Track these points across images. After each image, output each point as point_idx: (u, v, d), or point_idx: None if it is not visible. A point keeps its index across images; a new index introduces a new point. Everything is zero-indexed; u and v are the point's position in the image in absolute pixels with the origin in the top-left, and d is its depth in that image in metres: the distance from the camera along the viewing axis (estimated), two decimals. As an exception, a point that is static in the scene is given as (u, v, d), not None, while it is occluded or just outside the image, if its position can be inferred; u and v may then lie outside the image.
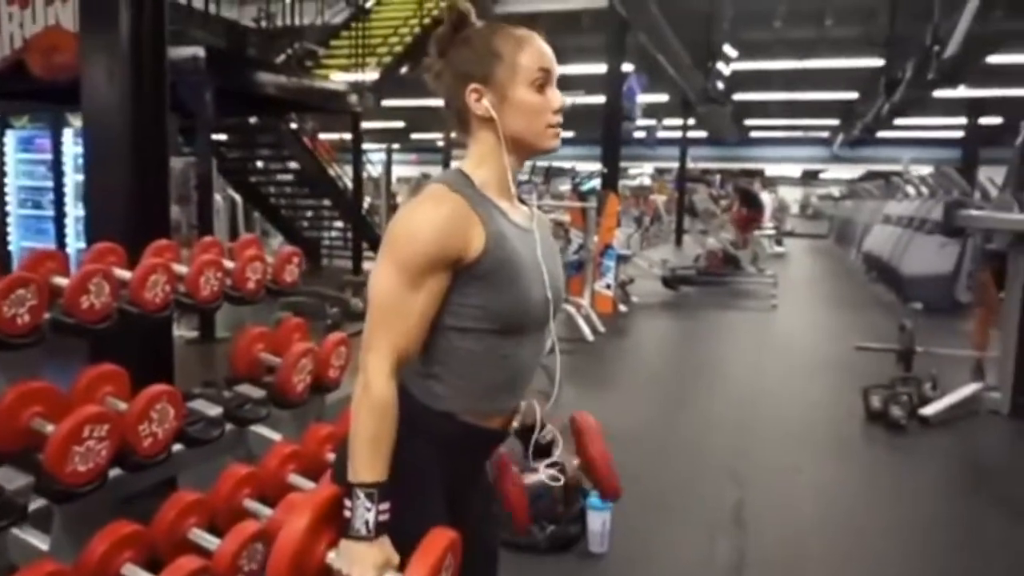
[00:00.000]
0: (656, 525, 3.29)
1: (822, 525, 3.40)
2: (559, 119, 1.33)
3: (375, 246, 9.96)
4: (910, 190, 11.48)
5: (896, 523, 3.45)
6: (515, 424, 1.42)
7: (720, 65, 11.79)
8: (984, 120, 18.57)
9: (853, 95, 15.62)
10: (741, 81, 13.58)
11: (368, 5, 10.97)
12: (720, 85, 12.58)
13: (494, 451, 1.47)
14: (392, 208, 13.44)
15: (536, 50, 1.31)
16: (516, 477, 1.61)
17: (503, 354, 1.30)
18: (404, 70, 10.49)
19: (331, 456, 2.82)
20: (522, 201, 1.43)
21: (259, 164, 10.53)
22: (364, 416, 1.20)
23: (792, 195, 26.58)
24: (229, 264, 2.84)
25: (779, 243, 16.16)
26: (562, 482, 3.12)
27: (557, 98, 1.32)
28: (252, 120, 9.74)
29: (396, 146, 21.61)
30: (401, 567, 1.21)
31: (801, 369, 6.26)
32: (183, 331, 6.03)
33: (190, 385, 2.85)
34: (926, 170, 12.75)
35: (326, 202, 10.67)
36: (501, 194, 1.33)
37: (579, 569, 2.93)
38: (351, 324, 3.69)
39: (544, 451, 1.51)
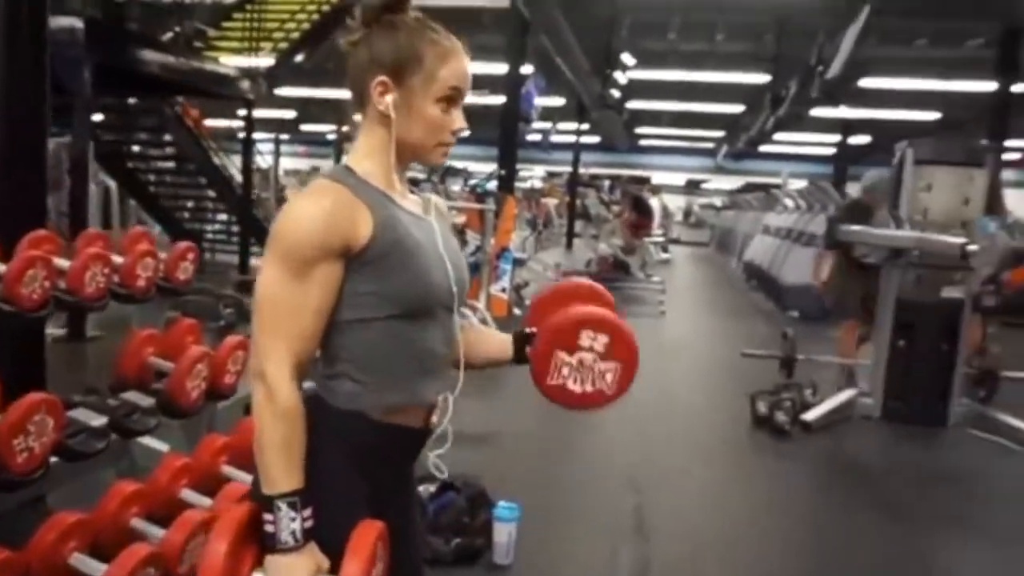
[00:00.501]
0: (560, 535, 3.29)
1: (720, 529, 3.49)
2: (453, 140, 1.30)
3: (262, 240, 9.59)
4: (788, 203, 12.08)
5: (786, 525, 3.60)
6: (434, 420, 1.36)
7: (617, 73, 12.03)
8: (853, 139, 19.83)
9: (739, 108, 16.31)
10: (635, 89, 13.92)
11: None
12: (616, 93, 12.85)
13: (416, 455, 1.40)
14: (280, 201, 13.02)
15: (458, 67, 1.27)
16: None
17: (408, 339, 1.26)
18: (300, 58, 10.14)
19: (227, 469, 2.67)
20: (415, 186, 1.40)
21: (137, 149, 9.93)
22: (271, 426, 1.15)
23: (675, 203, 27.50)
24: (117, 259, 2.63)
25: (665, 250, 16.67)
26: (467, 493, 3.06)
27: (459, 120, 1.29)
28: (131, 101, 9.16)
29: (285, 136, 20.96)
30: (332, 570, 1.17)
31: (691, 374, 6.46)
32: (50, 328, 5.57)
33: (59, 390, 2.61)
34: (801, 184, 13.49)
35: (210, 192, 10.17)
36: (390, 185, 1.30)
37: (485, 581, 2.88)
38: (246, 325, 3.50)
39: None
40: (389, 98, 1.24)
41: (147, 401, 2.58)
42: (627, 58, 11.89)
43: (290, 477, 1.15)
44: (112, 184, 8.74)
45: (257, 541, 1.18)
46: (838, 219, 5.65)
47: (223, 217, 10.93)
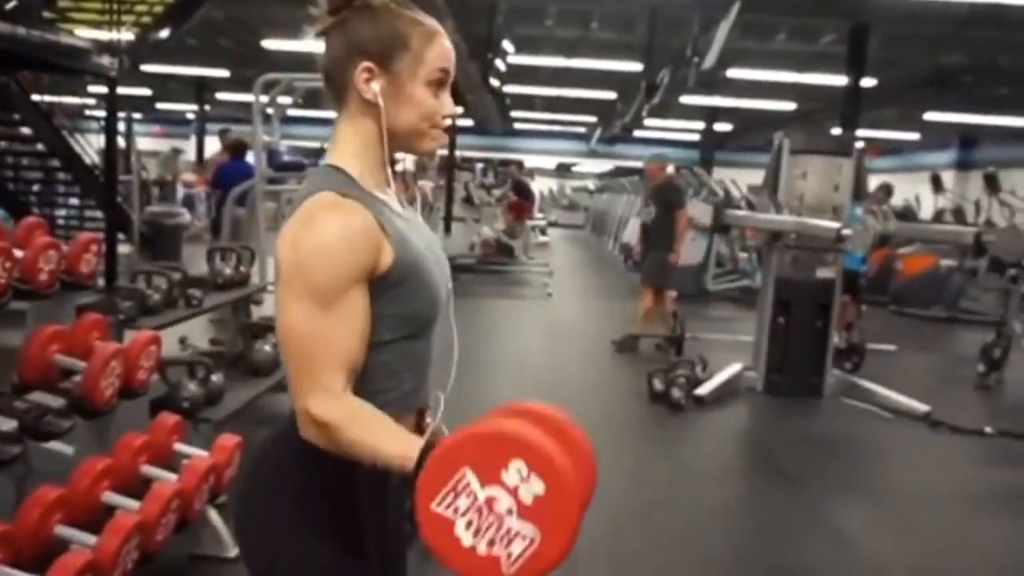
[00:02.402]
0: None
1: (633, 501, 3.65)
2: (446, 125, 1.23)
3: (125, 228, 9.01)
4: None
5: (693, 492, 3.85)
6: (428, 420, 1.30)
7: (497, 60, 12.08)
8: (718, 126, 20.84)
9: (612, 95, 16.75)
10: (511, 74, 14.01)
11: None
12: (495, 81, 12.90)
13: None
14: (143, 184, 12.24)
15: (443, 48, 1.20)
16: None
17: (416, 355, 1.23)
18: (165, 34, 9.56)
19: (153, 471, 2.55)
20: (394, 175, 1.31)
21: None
22: (359, 438, 1.07)
23: (548, 186, 27.98)
24: (18, 252, 2.42)
25: (543, 232, 16.97)
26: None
27: (449, 105, 1.22)
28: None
29: (139, 116, 19.68)
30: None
31: (585, 355, 6.65)
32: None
33: None
34: (670, 169, 14.06)
35: (61, 176, 9.42)
36: (378, 186, 1.22)
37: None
38: (147, 319, 3.30)
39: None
40: (376, 85, 1.17)
41: (57, 402, 2.41)
42: (507, 45, 11.96)
43: (409, 446, 1.04)
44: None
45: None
46: (723, 204, 5.96)
47: (75, 202, 10.16)
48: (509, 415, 1.11)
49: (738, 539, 3.44)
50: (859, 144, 5.87)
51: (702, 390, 5.20)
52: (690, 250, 9.86)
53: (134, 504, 2.30)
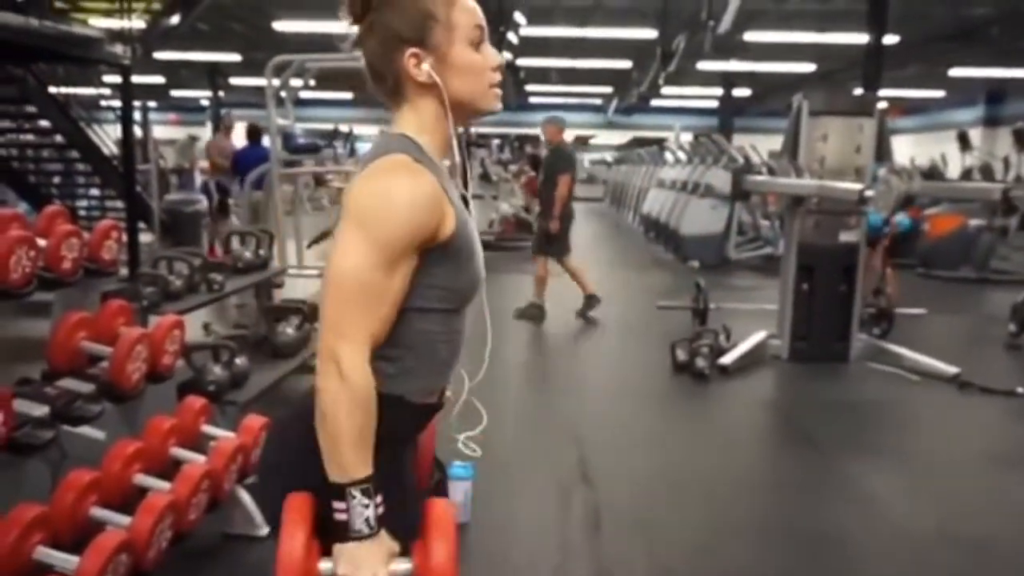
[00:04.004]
0: (512, 491, 3.35)
1: (659, 470, 3.65)
2: (499, 78, 1.27)
3: (146, 217, 9.08)
4: (681, 155, 12.44)
5: (719, 461, 3.81)
6: (448, 394, 1.37)
7: (510, 34, 11.96)
8: (736, 92, 20.57)
9: (627, 64, 16.57)
10: (524, 47, 13.88)
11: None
12: (508, 54, 12.78)
13: (426, 427, 1.40)
14: (161, 173, 12.32)
15: (468, 6, 1.24)
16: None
17: (455, 330, 1.27)
18: (175, 20, 9.59)
19: (182, 452, 2.58)
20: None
21: (-1, 122, 9.14)
22: (347, 412, 1.11)
23: (566, 159, 27.82)
24: (41, 242, 2.45)
25: (563, 206, 16.88)
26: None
27: (495, 56, 1.26)
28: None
29: (153, 104, 19.76)
30: (404, 553, 1.17)
31: (609, 328, 6.62)
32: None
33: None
34: (688, 137, 13.93)
35: (81, 166, 9.50)
36: (442, 160, 1.27)
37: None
38: (170, 304, 3.33)
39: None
40: (426, 65, 1.21)
41: (86, 387, 2.44)
42: (519, 17, 11.83)
43: (363, 463, 1.12)
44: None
45: (319, 531, 1.15)
46: (743, 170, 5.88)
47: (96, 192, 10.26)
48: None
49: (766, 506, 3.42)
50: (881, 104, 5.75)
51: (726, 359, 5.16)
52: (710, 218, 9.80)
53: (165, 485, 2.33)
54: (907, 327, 6.05)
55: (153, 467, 2.44)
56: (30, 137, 9.34)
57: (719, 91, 20.59)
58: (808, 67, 15.93)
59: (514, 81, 17.96)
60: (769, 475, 3.77)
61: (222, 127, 8.99)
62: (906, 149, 18.25)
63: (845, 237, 5.48)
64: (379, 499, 1.14)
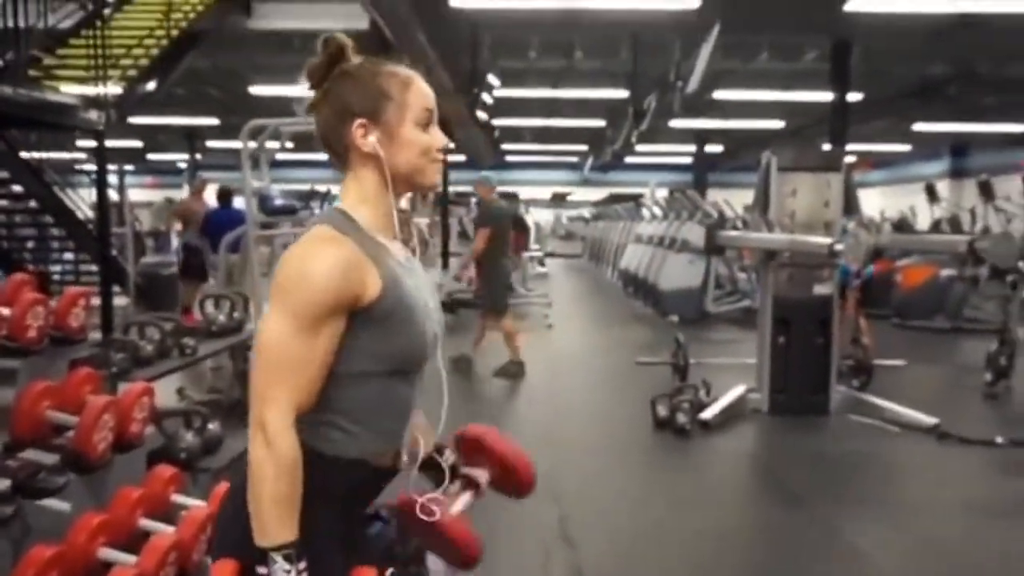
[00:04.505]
0: (492, 552, 3.26)
1: (641, 528, 3.59)
2: (442, 157, 1.34)
3: (120, 280, 8.99)
4: (657, 211, 12.61)
5: (703, 518, 3.75)
6: (404, 458, 1.38)
7: (484, 94, 12.17)
8: (709, 148, 20.99)
9: (601, 123, 16.89)
10: (499, 107, 14.12)
11: (106, 12, 9.93)
12: (482, 114, 12.99)
13: (383, 490, 1.41)
14: (136, 235, 12.26)
15: (421, 90, 1.31)
16: (443, 509, 1.48)
17: (397, 393, 1.30)
18: (152, 86, 9.64)
19: (150, 524, 2.50)
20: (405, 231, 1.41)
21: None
22: (273, 477, 1.15)
23: (544, 216, 28.09)
24: (4, 311, 2.41)
25: (541, 263, 16.98)
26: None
27: (441, 138, 1.33)
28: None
29: (130, 167, 19.80)
30: None
31: (587, 383, 6.60)
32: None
33: None
34: (664, 192, 14.15)
35: (55, 231, 9.45)
36: (385, 233, 1.31)
37: (425, 609, 2.82)
38: (140, 370, 3.27)
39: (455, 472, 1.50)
40: (372, 137, 1.27)
41: (50, 459, 2.37)
42: (492, 79, 12.06)
43: (287, 528, 1.16)
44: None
45: None
46: (716, 225, 5.96)
47: (70, 256, 10.19)
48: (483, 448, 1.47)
49: (752, 563, 3.37)
50: (849, 158, 5.88)
51: (707, 414, 5.14)
52: (688, 273, 9.89)
53: (131, 559, 2.25)
54: (885, 378, 6.08)
55: (120, 539, 2.35)
56: (2, 202, 9.27)
57: (692, 147, 21.00)
58: (778, 123, 16.32)
59: (489, 141, 18.21)
60: (753, 531, 3.72)
61: (193, 189, 9.04)
62: (876, 201, 18.68)
63: (819, 289, 5.53)
64: (302, 565, 1.16)
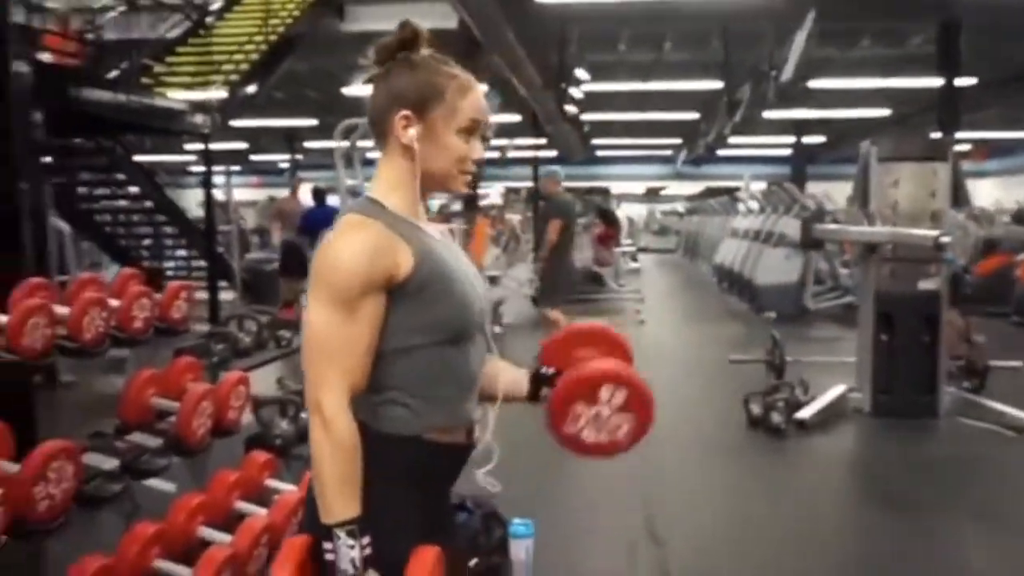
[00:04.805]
0: (577, 548, 3.26)
1: (731, 531, 3.49)
2: (475, 169, 1.35)
3: (227, 276, 9.42)
4: (753, 204, 12.26)
5: (796, 523, 3.61)
6: (477, 435, 1.41)
7: (572, 89, 12.13)
8: (808, 139, 20.24)
9: (694, 115, 16.56)
10: (589, 101, 14.03)
11: (208, 20, 10.42)
12: (572, 108, 12.95)
13: (459, 471, 1.42)
14: (241, 233, 12.82)
15: (475, 99, 1.33)
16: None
17: (452, 363, 1.31)
18: (252, 89, 10.05)
19: (240, 504, 2.60)
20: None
21: (87, 190, 9.70)
22: (330, 456, 1.19)
23: (637, 211, 27.77)
24: (114, 303, 2.55)
25: (634, 259, 16.80)
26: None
27: (479, 150, 1.34)
28: (79, 142, 8.95)
29: (236, 168, 20.70)
30: None
31: (679, 381, 6.47)
32: (24, 376, 5.39)
33: (44, 436, 2.52)
34: (761, 186, 13.72)
35: (168, 229, 9.98)
36: (414, 214, 1.34)
37: (507, 601, 2.83)
38: (239, 360, 3.41)
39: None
40: (413, 131, 1.29)
41: (154, 441, 2.50)
42: (581, 73, 12.00)
43: (348, 505, 1.19)
44: (66, 227, 8.53)
45: (315, 571, 1.21)
46: (812, 218, 5.74)
47: (183, 253, 10.74)
48: (571, 342, 1.53)
49: (846, 572, 3.20)
50: (960, 147, 5.55)
51: (803, 413, 4.95)
52: (785, 268, 9.56)
53: (227, 538, 2.34)
54: (1002, 380, 5.69)
55: (217, 520, 2.46)
56: (121, 203, 9.84)
57: (791, 139, 20.29)
58: (883, 112, 15.58)
59: (579, 135, 18.13)
60: (851, 539, 3.53)
61: (293, 189, 9.42)
62: (991, 192, 17.61)
63: (925, 285, 5.24)
64: (366, 540, 1.19)
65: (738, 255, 11.10)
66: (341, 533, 1.17)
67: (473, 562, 2.94)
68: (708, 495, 3.96)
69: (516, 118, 15.96)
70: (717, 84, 12.53)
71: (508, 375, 1.49)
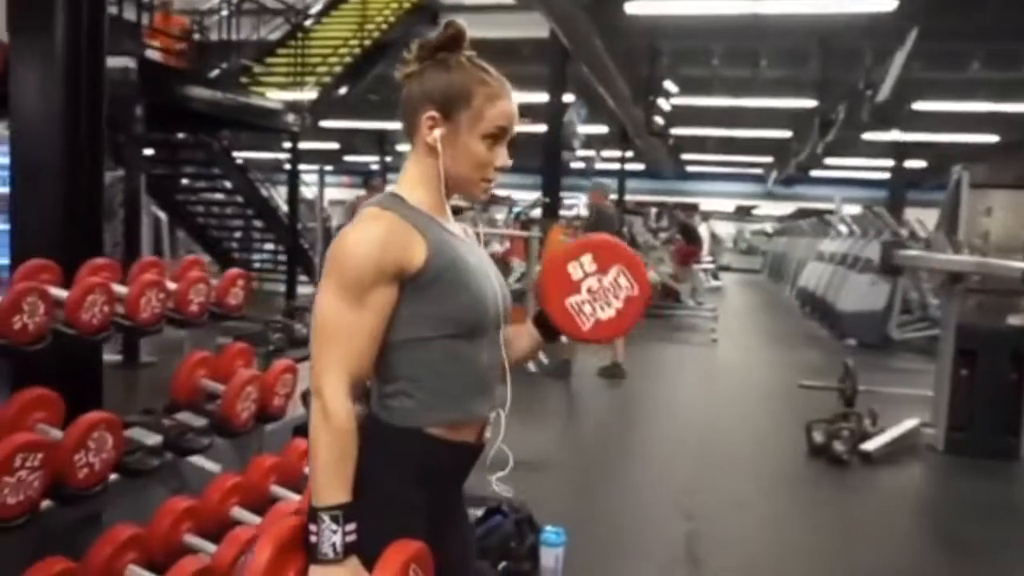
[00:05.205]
0: (609, 562, 3.21)
1: (776, 562, 3.37)
2: (497, 177, 1.35)
3: (309, 270, 9.73)
4: (842, 228, 11.84)
5: (847, 560, 3.45)
6: (487, 435, 1.39)
7: (660, 100, 12.01)
8: (909, 163, 19.41)
9: (787, 134, 16.13)
10: (679, 116, 13.84)
11: (307, 23, 10.81)
12: (660, 120, 12.81)
13: (469, 471, 1.42)
14: (326, 230, 13.22)
15: (504, 107, 1.32)
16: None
17: (463, 358, 1.30)
18: (343, 91, 10.36)
19: (275, 489, 2.68)
20: (456, 214, 1.42)
21: (186, 182, 10.20)
22: (325, 441, 1.20)
23: (725, 230, 27.20)
24: (171, 285, 2.68)
25: (715, 277, 16.47)
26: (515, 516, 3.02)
27: (502, 157, 1.34)
28: (180, 136, 9.43)
29: (329, 168, 21.38)
30: None
31: (744, 403, 6.31)
32: (106, 354, 5.72)
33: (115, 412, 2.66)
34: (855, 209, 13.23)
35: (257, 223, 10.40)
36: (437, 211, 1.34)
37: (533, 608, 2.82)
38: (295, 350, 3.52)
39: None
40: (437, 132, 1.30)
41: (200, 421, 2.61)
42: (670, 85, 11.86)
43: (336, 491, 1.20)
44: (163, 216, 9.00)
45: (302, 553, 1.23)
46: (893, 244, 5.51)
47: (270, 247, 11.15)
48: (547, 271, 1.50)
49: None
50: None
51: (869, 445, 4.75)
52: (870, 294, 9.18)
53: (257, 520, 2.42)
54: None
55: (251, 502, 2.53)
56: (216, 196, 10.31)
57: (890, 162, 19.50)
58: (990, 138, 14.80)
59: (668, 150, 17.91)
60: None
61: (368, 188, 9.67)
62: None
63: (1014, 320, 4.96)
64: (350, 527, 1.19)
65: (822, 279, 10.73)
66: (326, 517, 1.18)
67: (502, 566, 2.95)
68: (756, 520, 3.84)
69: (604, 129, 15.92)
70: (811, 103, 12.17)
71: (522, 333, 1.49)
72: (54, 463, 1.94)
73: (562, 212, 13.31)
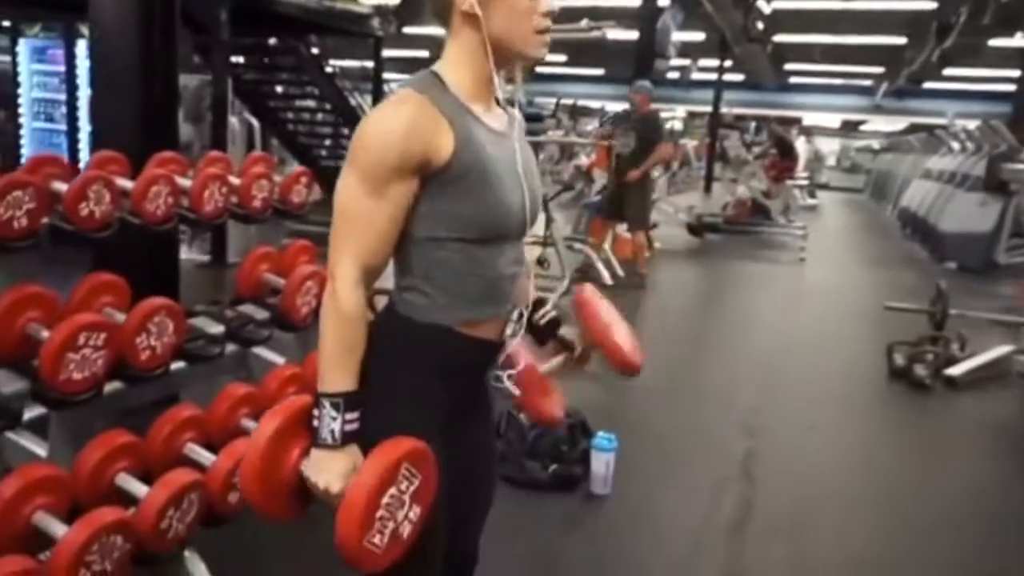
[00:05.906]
0: (662, 471, 3.22)
1: (832, 484, 3.28)
2: (547, 23, 1.26)
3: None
4: (955, 145, 11.06)
5: (911, 487, 3.34)
6: (507, 332, 1.37)
7: (761, 3, 11.31)
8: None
9: (901, 40, 14.97)
10: (781, 21, 13.02)
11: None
12: (760, 24, 12.10)
13: (491, 365, 1.41)
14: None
15: None
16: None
17: (479, 262, 1.27)
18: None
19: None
20: (503, 105, 1.35)
21: (278, 88, 10.33)
22: (331, 325, 1.20)
23: (829, 146, 25.85)
24: (235, 180, 2.73)
25: (812, 195, 15.78)
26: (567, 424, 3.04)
27: (546, 1, 1.25)
28: (271, 42, 9.51)
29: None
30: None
31: (826, 324, 6.10)
32: (194, 254, 6.01)
33: (187, 303, 2.77)
34: (973, 124, 12.29)
35: (344, 130, 10.49)
36: (478, 97, 1.27)
37: (580, 509, 2.87)
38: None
39: (550, 332, 1.54)
40: None
41: (262, 314, 2.70)
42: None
43: (340, 378, 1.20)
44: (255, 122, 9.19)
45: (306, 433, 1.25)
46: (1001, 157, 5.09)
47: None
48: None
49: (978, 548, 2.86)
50: None
51: (954, 370, 4.54)
52: (977, 215, 8.61)
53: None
54: None
55: (309, 393, 2.63)
56: (306, 103, 10.44)
57: (1016, 72, 17.91)
58: None
59: (770, 59, 16.98)
60: (987, 510, 3.13)
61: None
62: None
63: None
64: (352, 416, 1.19)
65: (927, 198, 10.11)
66: (327, 403, 1.19)
67: (552, 468, 3.00)
68: (821, 441, 3.75)
69: (700, 36, 15.19)
70: (929, 4, 11.22)
71: (524, 297, 1.44)
72: (117, 344, 2.04)
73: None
